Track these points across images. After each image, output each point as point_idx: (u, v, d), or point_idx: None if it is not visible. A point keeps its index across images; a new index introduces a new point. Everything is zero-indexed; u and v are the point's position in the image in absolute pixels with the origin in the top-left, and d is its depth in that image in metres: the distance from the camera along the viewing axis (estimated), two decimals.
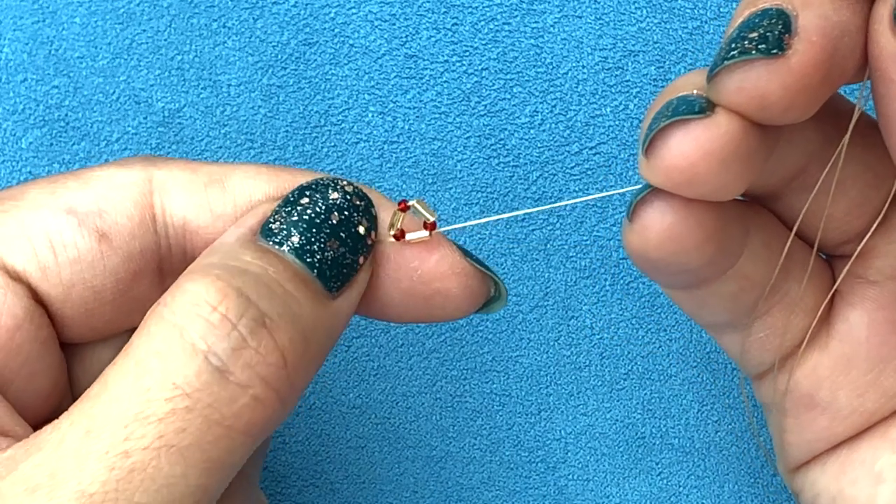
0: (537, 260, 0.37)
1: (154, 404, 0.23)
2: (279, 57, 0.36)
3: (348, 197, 0.26)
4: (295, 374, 0.24)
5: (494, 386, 0.37)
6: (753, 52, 0.23)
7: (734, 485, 0.37)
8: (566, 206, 0.37)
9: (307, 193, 0.26)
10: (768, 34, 0.23)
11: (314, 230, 0.26)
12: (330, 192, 0.26)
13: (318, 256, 0.25)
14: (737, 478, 0.37)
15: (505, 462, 0.37)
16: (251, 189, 0.27)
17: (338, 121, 0.37)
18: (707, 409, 0.37)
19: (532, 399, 0.37)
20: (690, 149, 0.24)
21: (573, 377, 0.37)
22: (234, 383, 0.23)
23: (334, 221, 0.26)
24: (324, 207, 0.26)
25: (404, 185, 0.37)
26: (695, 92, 0.25)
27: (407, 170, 0.37)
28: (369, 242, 0.26)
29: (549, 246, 0.37)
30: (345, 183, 0.27)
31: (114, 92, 0.36)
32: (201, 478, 0.23)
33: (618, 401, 0.37)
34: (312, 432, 0.37)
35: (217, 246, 0.26)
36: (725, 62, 0.24)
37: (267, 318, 0.24)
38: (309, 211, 0.26)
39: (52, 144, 0.36)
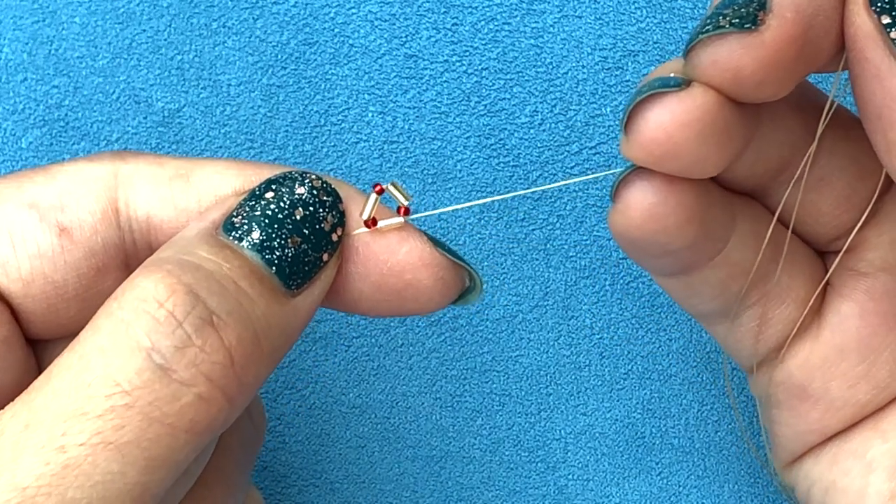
0: (537, 260, 0.37)
1: (93, 400, 0.22)
2: (279, 57, 0.36)
3: (315, 192, 0.26)
4: (244, 373, 0.24)
5: (494, 386, 0.37)
6: (727, 26, 0.24)
7: (734, 485, 0.37)
8: (566, 206, 0.37)
9: (273, 187, 0.26)
10: (743, 10, 0.24)
11: (276, 226, 0.25)
12: (296, 186, 0.26)
13: (278, 253, 0.25)
14: (737, 478, 0.37)
15: (505, 462, 0.37)
16: (217, 183, 0.27)
17: (338, 121, 0.37)
18: (707, 409, 0.37)
19: (532, 399, 0.37)
20: (667, 120, 0.24)
21: (573, 377, 0.37)
22: (176, 381, 0.23)
23: (298, 217, 0.26)
24: (288, 202, 0.26)
25: (404, 185, 0.37)
26: (672, 74, 0.25)
27: (407, 170, 0.37)
28: (334, 239, 0.26)
29: (549, 246, 0.37)
30: (313, 177, 0.26)
31: (114, 92, 0.36)
32: (140, 475, 0.22)
33: (618, 401, 0.37)
34: (312, 432, 0.37)
35: (176, 239, 0.25)
36: (700, 36, 0.24)
37: (215, 315, 0.23)
38: (272, 206, 0.25)
39: (52, 144, 0.36)
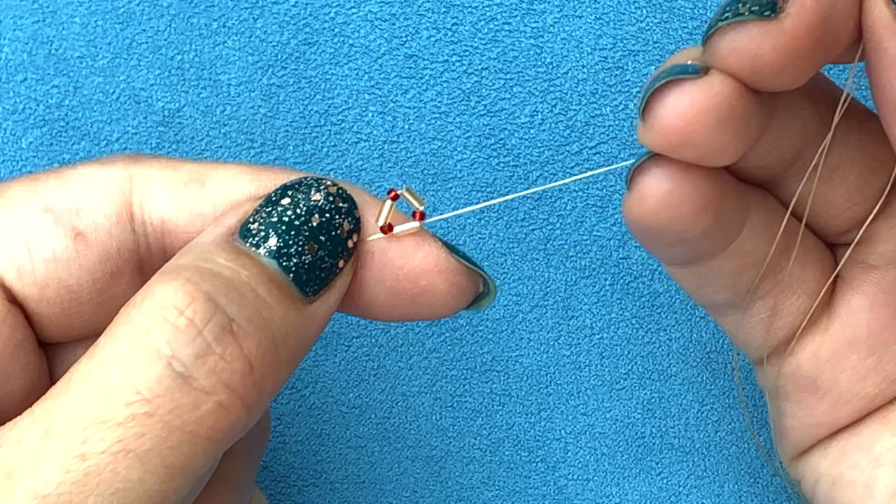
0: (537, 260, 0.37)
1: (114, 409, 0.22)
2: (279, 57, 0.36)
3: (331, 198, 0.26)
4: (263, 381, 0.24)
5: (494, 386, 0.37)
6: (747, 13, 0.24)
7: (734, 485, 0.37)
8: (566, 206, 0.37)
9: (289, 193, 0.26)
10: None
11: (293, 233, 0.25)
12: (312, 192, 0.26)
13: (295, 260, 0.25)
14: (737, 478, 0.37)
15: (505, 462, 0.37)
16: (232, 188, 0.27)
17: (338, 121, 0.37)
18: (707, 409, 0.37)
19: (532, 399, 0.37)
20: (686, 107, 0.24)
21: (573, 377, 0.37)
22: (197, 390, 0.23)
23: (314, 224, 0.25)
24: (304, 209, 0.26)
25: (404, 186, 0.37)
26: (690, 61, 0.25)
27: (407, 170, 0.37)
28: (350, 245, 0.26)
29: (549, 246, 0.37)
30: (329, 183, 0.26)
31: (114, 92, 0.36)
32: (160, 483, 0.22)
33: (618, 401, 0.37)
34: (312, 432, 0.37)
35: (193, 245, 0.25)
36: (719, 23, 0.24)
37: (235, 323, 0.23)
38: (289, 212, 0.25)
39: (52, 144, 0.36)
